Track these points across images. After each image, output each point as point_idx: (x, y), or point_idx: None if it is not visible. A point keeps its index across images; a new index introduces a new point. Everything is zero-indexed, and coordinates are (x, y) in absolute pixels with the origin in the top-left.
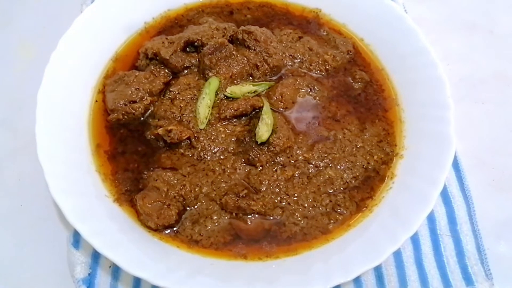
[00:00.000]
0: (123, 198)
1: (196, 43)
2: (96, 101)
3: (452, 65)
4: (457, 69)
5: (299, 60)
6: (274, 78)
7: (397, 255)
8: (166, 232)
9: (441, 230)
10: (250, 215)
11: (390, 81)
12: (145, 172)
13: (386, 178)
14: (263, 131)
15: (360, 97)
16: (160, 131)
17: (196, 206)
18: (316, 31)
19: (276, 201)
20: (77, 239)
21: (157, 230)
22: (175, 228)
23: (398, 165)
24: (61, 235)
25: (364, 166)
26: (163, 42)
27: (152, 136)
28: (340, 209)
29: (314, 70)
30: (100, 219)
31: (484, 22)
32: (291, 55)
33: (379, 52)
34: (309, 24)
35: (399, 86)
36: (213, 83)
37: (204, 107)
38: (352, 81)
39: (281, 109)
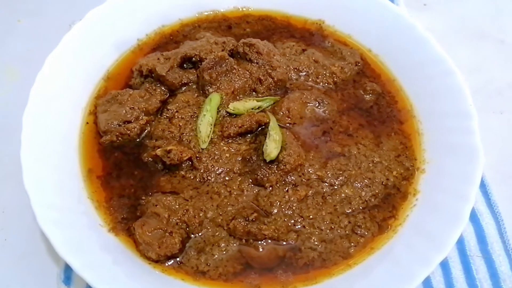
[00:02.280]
0: (120, 227)
1: (193, 59)
2: (87, 123)
3: (464, 76)
4: (470, 80)
5: (304, 73)
6: (279, 92)
7: (426, 281)
8: (169, 263)
9: (471, 251)
10: (262, 240)
11: (403, 92)
12: (143, 198)
13: (409, 195)
14: (272, 148)
15: (372, 110)
16: (158, 152)
17: (201, 233)
18: (321, 43)
19: (289, 224)
20: (68, 275)
21: (158, 261)
22: (178, 259)
23: (420, 181)
24: (50, 271)
25: (384, 183)
26: (158, 58)
27: (150, 158)
28: (360, 231)
29: (321, 83)
30: (94, 251)
31: (494, 31)
32: (295, 68)
33: (390, 63)
34: (312, 36)
35: (414, 97)
36: (214, 99)
37: (205, 125)
38: (363, 93)
39: (289, 124)
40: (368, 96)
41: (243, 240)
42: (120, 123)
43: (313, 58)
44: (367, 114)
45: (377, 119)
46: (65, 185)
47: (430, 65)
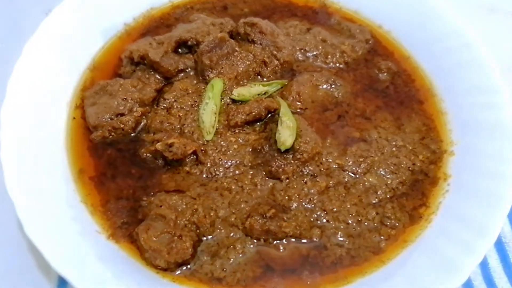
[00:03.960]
0: (120, 233)
1: (189, 42)
2: (74, 118)
3: None
4: None
5: (312, 53)
6: (285, 76)
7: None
8: (179, 271)
9: (506, 237)
10: (282, 239)
11: (420, 69)
12: (144, 199)
13: (439, 180)
14: (286, 136)
15: (388, 90)
16: (158, 146)
17: (213, 235)
18: (326, 21)
19: (311, 219)
20: None
21: (168, 269)
22: (190, 265)
23: (450, 164)
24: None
25: (410, 168)
26: (150, 43)
27: (148, 154)
28: (390, 222)
29: (331, 64)
30: (93, 262)
31: (504, 4)
32: (302, 49)
33: (403, 39)
34: (316, 14)
35: (432, 74)
36: (217, 85)
37: (209, 114)
38: (377, 73)
39: (300, 110)
40: (383, 76)
41: (261, 240)
42: (112, 116)
43: (320, 37)
44: (384, 95)
45: (394, 99)
46: (54, 188)
47: (447, 38)
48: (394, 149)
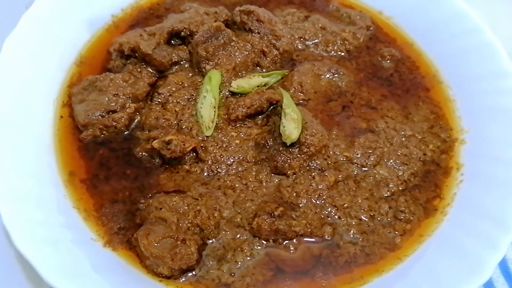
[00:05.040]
0: (117, 240)
1: (182, 33)
2: (62, 117)
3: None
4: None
5: (312, 42)
6: (285, 66)
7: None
8: (184, 279)
9: None
10: (292, 239)
11: (424, 55)
12: (142, 201)
13: (451, 170)
14: (291, 128)
15: (393, 78)
16: (155, 144)
17: (218, 237)
18: (324, 8)
19: (322, 216)
20: None
21: (171, 277)
22: (195, 271)
23: (462, 153)
24: None
25: (421, 159)
26: (141, 35)
27: (144, 153)
28: (404, 216)
29: (332, 52)
30: (88, 273)
31: None
32: (301, 37)
33: (405, 25)
34: (313, 1)
35: (438, 60)
36: (215, 77)
37: (207, 108)
38: (380, 60)
39: (303, 101)
40: (386, 63)
41: (270, 241)
42: (104, 114)
43: (319, 25)
44: (388, 83)
45: (400, 88)
46: (43, 193)
47: (451, 23)
48: (403, 139)
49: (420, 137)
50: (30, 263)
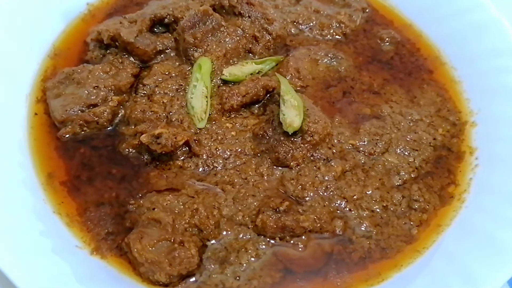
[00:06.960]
0: (105, 246)
1: (166, 20)
2: (36, 114)
3: None
4: None
5: (306, 26)
6: (279, 52)
7: None
8: (184, 285)
9: None
10: (301, 235)
11: (424, 37)
12: (132, 202)
13: (464, 154)
14: (292, 116)
15: (394, 61)
16: (143, 138)
17: (219, 238)
18: None
19: (331, 209)
20: None
21: (169, 284)
22: (195, 277)
23: (473, 136)
24: None
25: (431, 144)
26: (121, 23)
27: (131, 149)
28: (419, 205)
29: (328, 36)
30: (74, 284)
31: None
32: (294, 22)
33: (402, 5)
34: None
35: (439, 41)
36: (205, 64)
37: (199, 99)
38: (379, 42)
39: (301, 87)
40: (386, 46)
41: (277, 239)
42: (83, 108)
43: (312, 8)
44: (389, 67)
45: (401, 71)
46: (19, 199)
47: (451, 1)
48: (410, 123)
49: (428, 121)
50: (7, 277)
